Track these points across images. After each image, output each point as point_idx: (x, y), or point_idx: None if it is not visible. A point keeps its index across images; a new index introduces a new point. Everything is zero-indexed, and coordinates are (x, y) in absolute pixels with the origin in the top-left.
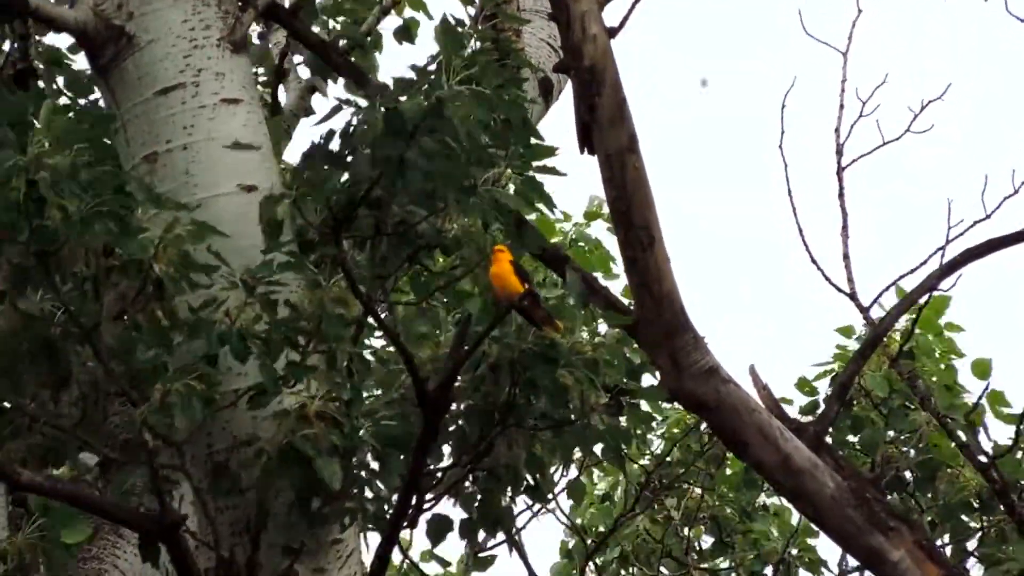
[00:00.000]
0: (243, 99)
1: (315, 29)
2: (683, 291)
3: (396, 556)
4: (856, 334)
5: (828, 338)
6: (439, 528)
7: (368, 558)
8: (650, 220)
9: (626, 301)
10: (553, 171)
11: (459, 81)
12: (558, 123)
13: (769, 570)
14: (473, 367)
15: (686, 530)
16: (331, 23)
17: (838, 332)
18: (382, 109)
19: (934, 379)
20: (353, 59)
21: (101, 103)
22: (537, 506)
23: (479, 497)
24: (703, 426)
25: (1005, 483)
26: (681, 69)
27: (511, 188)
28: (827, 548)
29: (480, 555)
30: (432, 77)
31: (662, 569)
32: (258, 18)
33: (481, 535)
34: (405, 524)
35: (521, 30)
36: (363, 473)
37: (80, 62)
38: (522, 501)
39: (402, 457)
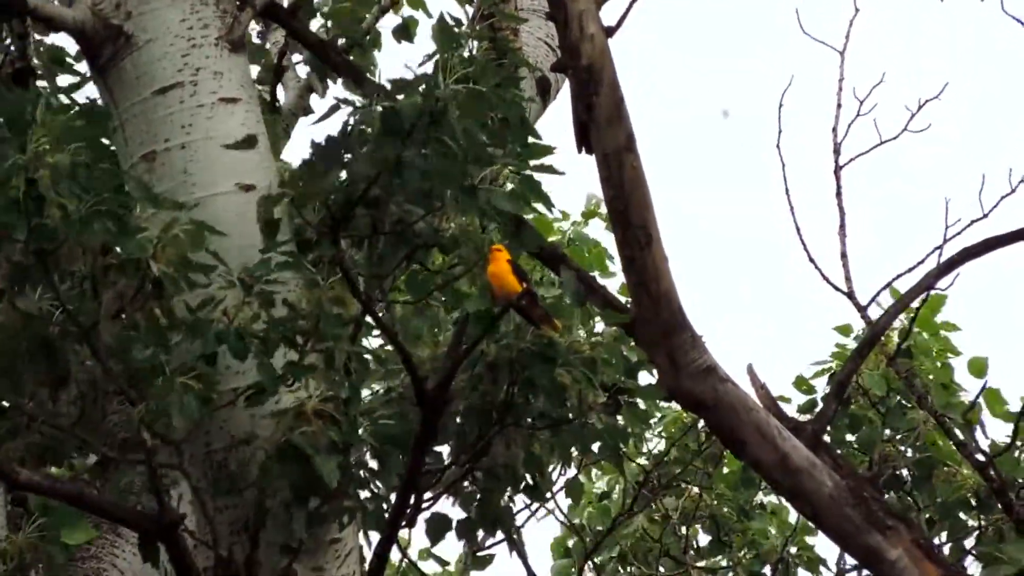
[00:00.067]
0: (241, 98)
1: (314, 27)
2: (681, 290)
3: (395, 555)
4: (854, 333)
5: (826, 337)
6: (438, 527)
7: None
8: (648, 219)
9: (623, 299)
10: (551, 170)
11: (456, 80)
12: (556, 122)
13: (768, 569)
14: (471, 366)
15: (684, 529)
16: (328, 23)
17: (836, 331)
18: (379, 108)
19: (930, 377)
20: (352, 58)
21: (100, 103)
22: (536, 506)
23: (478, 496)
24: (701, 425)
25: (1003, 481)
26: (679, 68)
27: (508, 187)
28: (826, 546)
29: (479, 554)
30: (428, 76)
31: (660, 568)
32: (256, 17)
33: (480, 534)
34: (404, 523)
35: (519, 29)
36: (362, 472)
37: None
38: (520, 500)
39: (401, 456)
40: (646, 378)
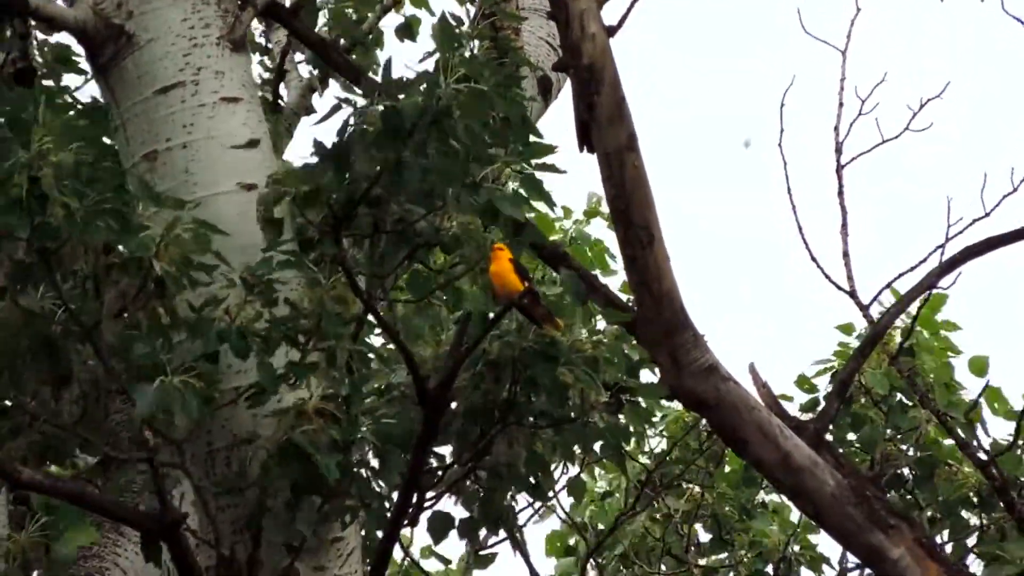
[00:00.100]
0: (243, 98)
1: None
2: (683, 289)
3: (397, 553)
4: (856, 332)
5: (828, 336)
6: (440, 526)
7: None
8: (649, 218)
9: (625, 298)
10: (552, 169)
11: (457, 80)
12: (557, 121)
13: (770, 568)
14: (473, 365)
15: (685, 528)
16: (329, 22)
17: (838, 330)
18: (380, 108)
19: (932, 376)
20: (354, 57)
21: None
22: (538, 504)
23: (480, 495)
24: (703, 424)
25: (1005, 480)
26: (680, 67)
27: (510, 186)
28: (828, 545)
29: (481, 553)
30: (429, 75)
31: (662, 567)
32: (258, 17)
33: (482, 533)
34: (406, 522)
35: (520, 28)
36: (364, 471)
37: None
38: (523, 499)
39: (403, 455)
40: (648, 377)
